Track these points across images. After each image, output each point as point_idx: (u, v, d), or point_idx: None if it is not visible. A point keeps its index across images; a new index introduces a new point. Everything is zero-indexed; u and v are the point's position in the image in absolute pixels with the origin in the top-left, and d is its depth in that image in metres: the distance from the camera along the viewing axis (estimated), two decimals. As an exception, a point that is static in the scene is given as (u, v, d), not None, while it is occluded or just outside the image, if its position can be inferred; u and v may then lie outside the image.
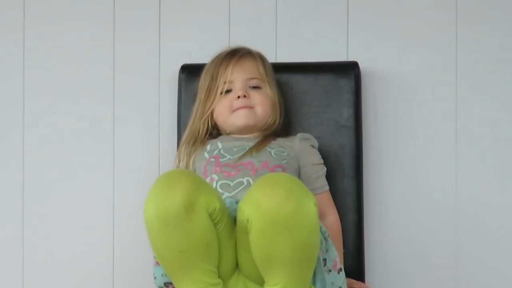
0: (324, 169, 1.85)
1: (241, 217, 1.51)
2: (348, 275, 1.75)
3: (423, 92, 2.03)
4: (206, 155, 1.81)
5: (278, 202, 1.45)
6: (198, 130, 1.86)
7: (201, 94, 1.88)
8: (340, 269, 1.64)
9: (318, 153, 1.86)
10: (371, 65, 2.02)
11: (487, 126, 2.02)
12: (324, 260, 1.60)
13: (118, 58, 2.08)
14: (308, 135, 1.88)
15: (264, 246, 1.49)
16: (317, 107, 1.96)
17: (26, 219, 2.08)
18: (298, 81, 1.97)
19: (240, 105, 1.83)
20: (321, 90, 1.96)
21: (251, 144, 1.81)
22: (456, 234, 2.01)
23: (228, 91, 1.85)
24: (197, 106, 1.88)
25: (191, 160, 1.82)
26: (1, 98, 2.10)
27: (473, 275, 2.01)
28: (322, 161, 1.86)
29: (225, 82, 1.84)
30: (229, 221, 1.58)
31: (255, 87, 1.86)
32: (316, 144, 1.88)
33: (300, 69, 1.98)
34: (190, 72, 1.98)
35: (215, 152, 1.81)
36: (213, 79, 1.86)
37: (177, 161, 1.86)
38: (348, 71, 1.97)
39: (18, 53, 2.09)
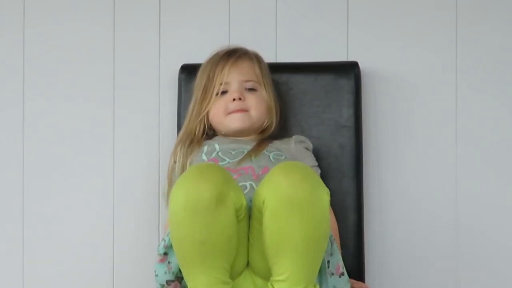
0: (318, 171, 1.85)
1: (257, 201, 1.53)
2: (348, 275, 1.75)
3: (423, 92, 2.03)
4: (204, 157, 1.81)
5: (294, 184, 1.47)
6: (194, 130, 1.87)
7: (197, 94, 1.88)
8: (342, 274, 1.64)
9: (312, 155, 1.86)
10: (371, 65, 2.02)
11: (487, 126, 2.02)
12: (328, 262, 1.61)
13: (118, 58, 2.08)
14: (302, 138, 1.88)
15: (276, 228, 1.50)
16: (317, 107, 1.96)
17: (26, 220, 2.08)
18: (298, 81, 1.97)
19: (235, 108, 1.83)
20: (321, 90, 1.96)
21: (249, 147, 1.81)
22: (456, 234, 2.01)
23: (224, 92, 1.85)
24: (193, 105, 1.89)
25: (188, 162, 1.82)
26: (1, 98, 2.10)
27: (473, 275, 2.01)
28: (316, 163, 1.86)
29: (221, 84, 1.84)
30: (247, 220, 1.59)
31: (250, 89, 1.86)
32: (311, 146, 1.88)
33: (300, 69, 1.98)
34: (190, 72, 1.98)
35: (213, 155, 1.81)
36: (209, 79, 1.86)
37: (172, 161, 1.86)
38: (348, 71, 1.97)
39: (18, 53, 2.09)
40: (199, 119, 1.86)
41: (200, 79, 1.88)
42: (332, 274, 1.62)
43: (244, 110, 1.84)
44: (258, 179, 1.71)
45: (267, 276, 1.57)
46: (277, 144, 1.84)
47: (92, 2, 2.08)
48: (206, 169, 1.51)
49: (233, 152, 1.80)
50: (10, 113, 2.09)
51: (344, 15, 2.04)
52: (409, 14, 2.03)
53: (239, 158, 1.78)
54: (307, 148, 1.87)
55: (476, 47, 2.02)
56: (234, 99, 1.83)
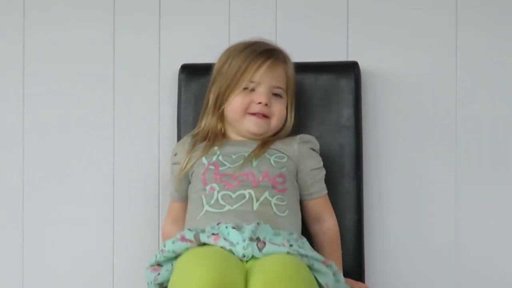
0: (322, 173, 1.84)
1: None
2: (348, 275, 1.76)
3: (423, 92, 2.03)
4: (205, 160, 1.80)
5: None
6: (212, 126, 1.84)
7: (221, 80, 1.83)
8: None
9: (317, 155, 1.85)
10: (371, 65, 2.02)
11: (487, 126, 2.02)
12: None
13: (118, 58, 2.08)
14: (308, 137, 1.86)
15: None
16: (317, 107, 1.96)
17: (26, 222, 2.08)
18: (298, 81, 1.97)
19: (258, 111, 1.81)
20: (321, 90, 1.96)
21: (249, 150, 1.80)
22: (456, 234, 2.01)
23: (250, 89, 1.82)
24: (216, 91, 1.83)
25: (189, 165, 1.81)
26: (1, 98, 2.10)
27: (473, 274, 2.01)
28: (321, 165, 1.84)
29: (251, 81, 1.81)
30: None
31: (276, 95, 1.84)
32: (317, 146, 1.86)
33: (300, 69, 1.98)
34: (190, 72, 1.98)
35: (214, 159, 1.79)
36: (239, 71, 1.81)
37: (174, 154, 1.86)
38: (348, 71, 1.97)
39: (18, 52, 2.09)
40: (218, 108, 1.83)
41: (228, 66, 1.83)
42: None
43: (266, 117, 1.82)
44: (258, 186, 1.72)
45: None
46: (279, 145, 1.82)
47: (92, 3, 2.08)
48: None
49: (233, 156, 1.79)
50: (11, 111, 2.09)
51: (344, 15, 2.04)
52: (409, 14, 2.03)
53: (239, 163, 1.77)
54: (312, 148, 1.85)
55: (476, 47, 2.02)
56: (260, 103, 1.81)
